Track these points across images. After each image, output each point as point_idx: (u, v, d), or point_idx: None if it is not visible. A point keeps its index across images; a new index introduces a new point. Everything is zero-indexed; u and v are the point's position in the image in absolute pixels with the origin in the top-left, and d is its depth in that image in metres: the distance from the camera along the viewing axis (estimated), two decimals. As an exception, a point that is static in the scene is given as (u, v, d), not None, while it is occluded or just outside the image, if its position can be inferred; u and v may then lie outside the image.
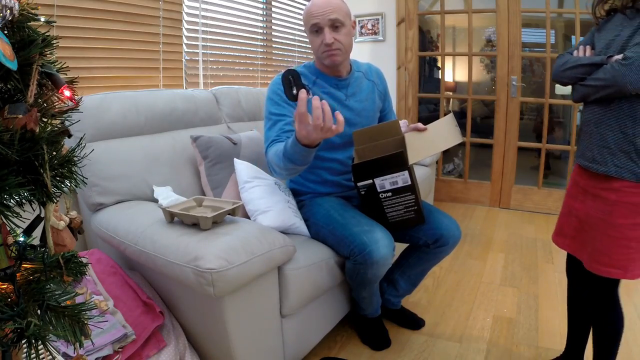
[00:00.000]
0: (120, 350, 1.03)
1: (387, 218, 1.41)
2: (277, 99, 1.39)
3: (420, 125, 1.37)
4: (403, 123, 1.49)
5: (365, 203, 1.38)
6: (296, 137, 1.12)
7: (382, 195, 1.34)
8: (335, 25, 1.35)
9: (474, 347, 1.56)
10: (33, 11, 0.63)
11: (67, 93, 0.68)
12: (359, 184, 1.33)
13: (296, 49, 3.09)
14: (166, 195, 1.45)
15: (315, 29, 1.36)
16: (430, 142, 1.33)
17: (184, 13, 2.11)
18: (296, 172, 1.28)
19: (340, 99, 1.48)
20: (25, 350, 0.60)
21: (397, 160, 1.27)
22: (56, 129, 0.66)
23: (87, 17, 1.66)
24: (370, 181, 1.31)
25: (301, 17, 3.17)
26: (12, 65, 0.57)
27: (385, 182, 1.31)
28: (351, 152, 1.52)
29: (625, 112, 1.03)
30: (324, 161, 1.50)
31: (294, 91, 1.08)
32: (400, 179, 1.30)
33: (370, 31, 3.37)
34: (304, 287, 1.28)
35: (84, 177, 0.71)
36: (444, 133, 1.32)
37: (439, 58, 3.76)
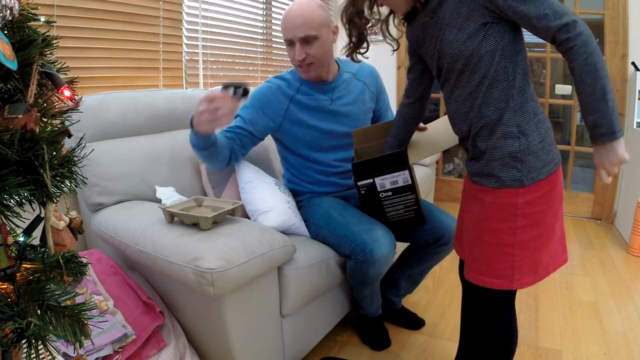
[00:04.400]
0: (120, 350, 1.03)
1: (387, 218, 1.41)
2: (252, 101, 1.44)
3: (420, 125, 1.37)
4: None
5: (365, 202, 1.38)
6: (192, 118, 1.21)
7: (382, 195, 1.34)
8: (307, 40, 1.34)
9: (474, 347, 1.56)
10: (33, 11, 0.63)
11: (67, 93, 0.68)
12: (359, 183, 1.33)
13: (296, 49, 3.09)
14: (169, 195, 1.45)
15: (288, 43, 1.38)
16: (431, 142, 1.33)
17: (184, 13, 2.11)
18: (203, 157, 1.35)
19: (324, 104, 1.48)
20: (25, 350, 0.60)
21: (399, 160, 1.27)
22: (56, 129, 0.66)
23: (87, 17, 1.66)
24: (371, 180, 1.31)
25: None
26: (12, 65, 0.57)
27: (385, 182, 1.31)
28: (338, 155, 1.52)
29: (490, 115, 0.93)
30: (311, 162, 1.51)
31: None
32: (401, 178, 1.30)
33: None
34: (303, 287, 1.28)
35: (84, 177, 0.71)
36: (444, 132, 1.32)
37: (439, 58, 3.76)
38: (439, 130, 1.34)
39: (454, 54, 0.93)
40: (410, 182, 1.31)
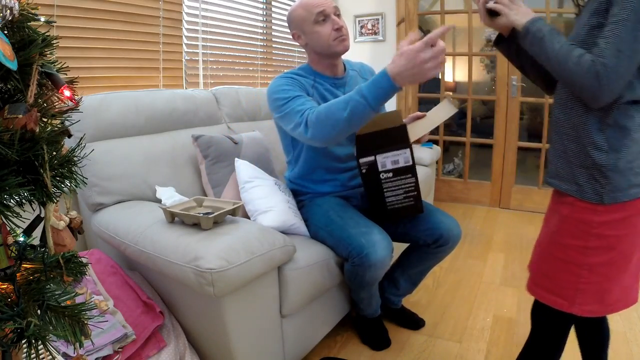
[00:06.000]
0: (120, 350, 1.03)
1: (386, 205, 1.39)
2: (287, 87, 1.36)
3: (419, 113, 1.42)
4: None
5: (366, 185, 1.37)
6: (391, 75, 1.09)
7: (382, 176, 1.34)
8: (337, 14, 1.41)
9: (474, 347, 1.56)
10: (33, 11, 0.63)
11: (67, 93, 0.68)
12: (361, 160, 1.32)
13: (296, 49, 3.09)
14: (169, 196, 1.45)
15: (321, 18, 1.38)
16: (429, 121, 1.40)
17: (184, 13, 2.11)
18: (352, 126, 1.18)
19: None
20: (25, 350, 0.60)
21: (400, 135, 1.29)
22: (56, 129, 0.66)
23: (87, 17, 1.66)
24: (372, 158, 1.31)
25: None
26: (12, 65, 0.57)
27: (386, 160, 1.31)
28: (351, 149, 1.52)
29: (582, 119, 0.91)
30: (326, 157, 1.50)
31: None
32: (402, 157, 1.31)
33: (370, 31, 3.37)
34: (303, 287, 1.28)
35: (84, 177, 0.71)
36: (440, 113, 1.39)
37: (439, 58, 3.76)
38: (438, 113, 1.40)
39: (576, 34, 0.91)
40: (410, 162, 1.31)
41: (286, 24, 3.22)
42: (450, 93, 1.47)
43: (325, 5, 1.38)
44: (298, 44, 1.48)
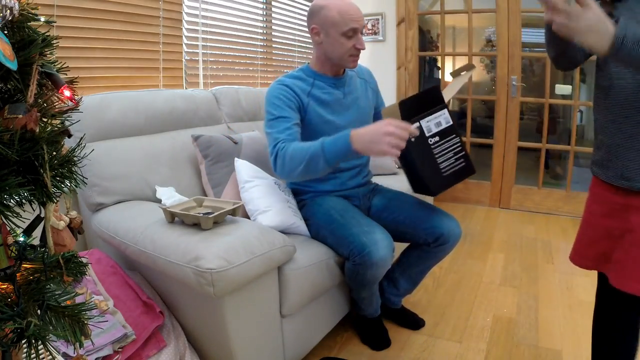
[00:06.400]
0: (120, 350, 1.03)
1: (440, 171, 1.38)
2: (278, 102, 1.39)
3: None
4: None
5: (416, 154, 1.35)
6: (351, 135, 1.18)
7: (431, 141, 1.35)
8: (362, 32, 1.43)
9: (474, 347, 1.56)
10: (33, 11, 0.63)
11: (67, 93, 0.68)
12: None
13: (296, 49, 3.10)
14: (169, 195, 1.45)
15: (351, 33, 1.38)
16: (456, 82, 1.47)
17: (184, 13, 2.11)
18: (309, 173, 1.27)
19: (339, 98, 1.50)
20: (25, 350, 0.60)
21: (436, 95, 1.35)
22: (56, 129, 0.66)
23: (87, 17, 1.66)
24: (417, 124, 1.34)
25: (301, 16, 3.17)
26: (12, 65, 0.57)
27: (430, 124, 1.34)
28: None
29: None
30: None
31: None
32: (443, 118, 1.35)
33: (370, 31, 3.37)
34: (304, 287, 1.28)
35: (84, 177, 0.71)
36: (459, 80, 1.46)
37: (439, 58, 3.77)
38: (454, 82, 1.47)
39: None
40: (451, 122, 1.36)
41: (286, 24, 3.20)
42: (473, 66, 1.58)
43: (360, 22, 1.39)
44: (310, 35, 1.47)
